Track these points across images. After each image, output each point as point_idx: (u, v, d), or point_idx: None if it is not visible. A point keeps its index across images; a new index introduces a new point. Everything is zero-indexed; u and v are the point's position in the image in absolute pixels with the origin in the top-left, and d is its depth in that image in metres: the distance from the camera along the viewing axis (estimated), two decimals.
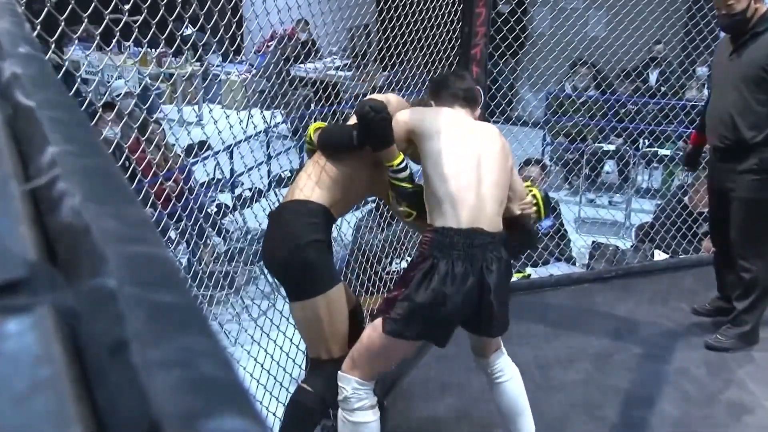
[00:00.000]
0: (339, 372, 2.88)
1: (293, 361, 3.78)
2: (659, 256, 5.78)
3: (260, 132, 6.54)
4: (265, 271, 5.42)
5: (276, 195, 5.57)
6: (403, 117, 2.94)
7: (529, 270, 5.40)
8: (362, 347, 2.87)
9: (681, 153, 7.97)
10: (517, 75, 7.92)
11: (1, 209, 0.48)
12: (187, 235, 4.11)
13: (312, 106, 7.36)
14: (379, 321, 2.82)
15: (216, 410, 0.31)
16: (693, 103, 8.55)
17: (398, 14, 4.16)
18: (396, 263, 5.25)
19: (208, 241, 5.12)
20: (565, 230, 6.20)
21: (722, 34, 4.25)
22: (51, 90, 0.73)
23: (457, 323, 2.91)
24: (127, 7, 2.45)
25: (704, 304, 4.50)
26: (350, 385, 2.84)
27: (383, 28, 4.22)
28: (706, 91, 9.11)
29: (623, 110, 8.52)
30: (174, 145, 5.93)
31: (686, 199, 6.00)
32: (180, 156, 5.73)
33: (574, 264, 5.89)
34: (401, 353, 3.01)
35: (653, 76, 9.32)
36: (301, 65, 9.19)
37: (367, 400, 2.87)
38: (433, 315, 2.76)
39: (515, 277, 5.17)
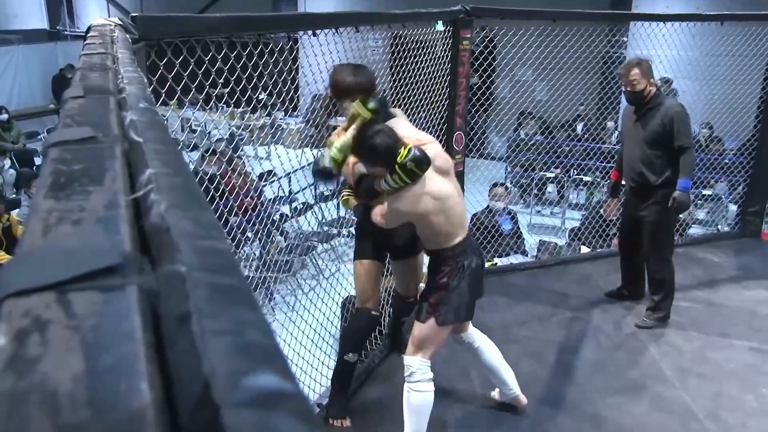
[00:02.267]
0: (404, 355, 2.70)
1: (332, 323, 3.74)
2: (584, 249, 5.71)
3: (310, 164, 6.53)
4: (314, 260, 5.42)
5: (320, 208, 5.59)
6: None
7: (496, 260, 5.34)
8: (420, 337, 2.65)
9: (599, 180, 7.91)
10: (487, 124, 7.88)
11: (111, 214, 0.45)
12: (259, 235, 4.10)
13: None
14: (431, 320, 2.60)
15: (256, 369, 0.28)
16: (605, 146, 8.52)
17: (407, 82, 4.14)
18: None
19: (274, 239, 5.11)
20: (521, 232, 6.14)
21: (624, 102, 4.19)
22: (156, 131, 0.71)
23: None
24: (221, 80, 2.44)
25: (613, 289, 4.41)
26: (415, 363, 2.65)
27: (394, 92, 4.20)
28: (614, 138, 9.07)
29: (560, 150, 8.46)
30: (251, 173, 5.93)
31: (602, 211, 5.93)
32: (255, 180, 5.72)
33: (527, 255, 5.83)
34: (446, 334, 2.76)
35: (579, 127, 9.25)
36: (338, 117, 9.16)
37: (427, 374, 2.68)
38: (472, 295, 2.65)
39: (487, 264, 5.12)
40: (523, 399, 3.08)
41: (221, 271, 0.36)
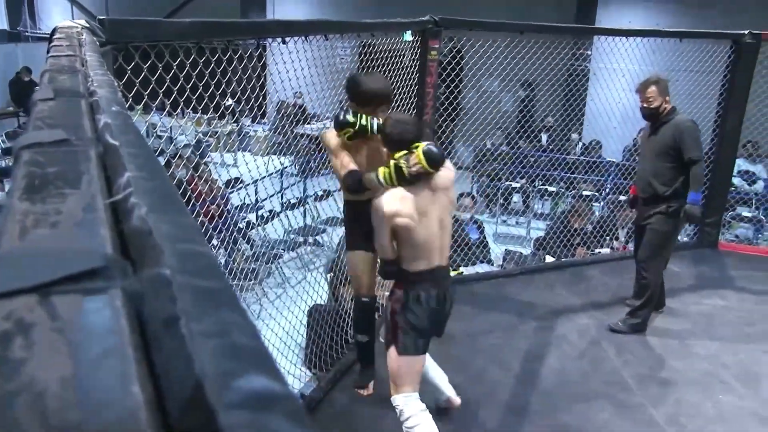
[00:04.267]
0: (391, 397, 2.65)
1: (297, 331, 3.71)
2: (549, 259, 5.80)
3: (277, 171, 6.52)
4: (280, 268, 5.38)
5: (287, 216, 5.57)
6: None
7: (462, 269, 5.38)
8: (393, 372, 2.64)
9: (563, 190, 8.06)
10: (454, 134, 7.95)
11: (89, 217, 0.44)
12: (225, 242, 4.05)
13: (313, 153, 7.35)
14: (392, 350, 2.61)
15: (246, 371, 0.28)
16: (569, 157, 8.68)
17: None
18: None
19: (240, 246, 5.05)
20: (486, 242, 6.20)
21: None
22: (130, 134, 0.70)
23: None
24: (188, 86, 2.42)
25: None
26: (400, 401, 2.61)
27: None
28: (578, 149, 9.25)
29: (525, 160, 8.59)
30: (217, 180, 5.87)
31: (572, 219, 6.03)
32: (221, 187, 5.67)
33: (492, 264, 5.89)
34: (420, 363, 2.71)
35: (544, 138, 9.40)
36: (305, 125, 9.14)
37: (416, 406, 2.62)
38: (430, 332, 2.64)
39: (453, 273, 5.15)
40: (457, 400, 3.06)
41: (205, 274, 0.36)
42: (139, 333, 0.32)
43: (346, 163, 2.73)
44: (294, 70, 3.05)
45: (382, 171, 2.51)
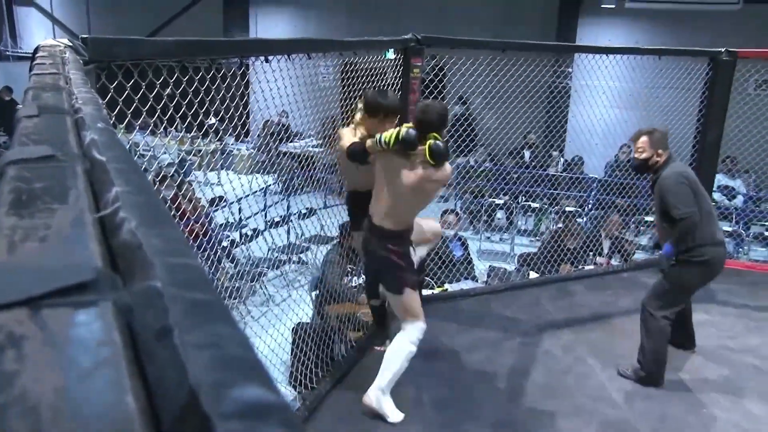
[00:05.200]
0: (407, 324, 3.12)
1: (283, 350, 3.69)
2: (532, 275, 5.82)
3: (262, 189, 6.51)
4: (263, 286, 5.35)
5: (271, 234, 5.55)
6: None
7: (447, 285, 5.38)
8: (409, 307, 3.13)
9: (546, 206, 8.13)
10: None
11: (78, 232, 0.44)
12: (209, 260, 4.02)
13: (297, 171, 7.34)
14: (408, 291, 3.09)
15: (240, 381, 0.28)
16: (553, 173, 8.77)
17: (357, 108, 4.17)
18: (354, 280, 5.21)
19: (223, 265, 5.02)
20: (471, 258, 6.21)
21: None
22: (116, 150, 0.70)
23: None
24: (171, 105, 2.42)
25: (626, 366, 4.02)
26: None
27: (344, 118, 4.22)
28: (560, 166, 9.35)
29: (508, 177, 8.65)
30: (201, 198, 5.85)
31: (565, 239, 6.06)
32: (205, 206, 5.64)
33: (477, 281, 5.89)
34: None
35: (527, 154, 9.49)
36: (289, 143, 9.14)
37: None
38: None
39: (437, 290, 5.15)
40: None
41: (196, 287, 0.36)
42: (131, 345, 0.32)
43: (350, 140, 3.13)
44: (277, 89, 3.06)
45: (387, 134, 2.93)
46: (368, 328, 4.15)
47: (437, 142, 2.87)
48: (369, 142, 3.01)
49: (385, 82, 4.17)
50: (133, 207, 0.47)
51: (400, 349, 3.11)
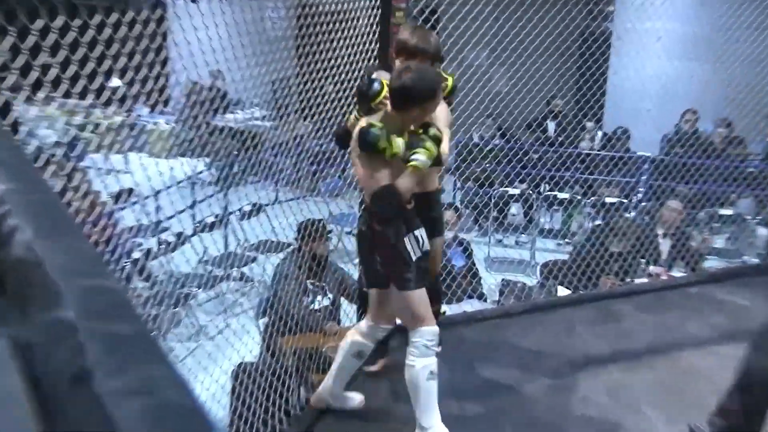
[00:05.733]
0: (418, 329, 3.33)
1: (218, 401, 3.69)
2: (562, 291, 5.88)
3: (189, 177, 6.50)
4: (192, 313, 5.33)
5: (202, 241, 5.52)
6: None
7: (445, 307, 5.41)
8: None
9: (579, 197, 8.20)
10: None
11: None
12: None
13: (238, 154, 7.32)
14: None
15: None
16: (587, 151, 8.85)
17: (318, 67, 4.18)
18: (318, 301, 5.22)
19: (134, 285, 4.99)
20: (476, 269, 6.25)
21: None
22: None
23: None
24: (55, 59, 2.40)
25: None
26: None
27: (303, 81, 4.23)
28: (597, 142, 9.45)
29: (526, 158, 8.71)
30: (101, 192, 5.80)
31: (610, 240, 6.13)
32: (107, 203, 5.60)
33: (485, 300, 5.93)
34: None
35: (551, 127, 9.57)
36: (225, 115, 9.12)
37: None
38: None
39: None
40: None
41: (116, 317, 0.38)
42: (35, 395, 0.34)
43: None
44: (208, 40, 3.06)
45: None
46: None
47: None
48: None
49: (357, 31, 4.18)
50: (26, 211, 0.48)
51: (421, 370, 3.32)
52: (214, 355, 3.71)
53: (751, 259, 6.94)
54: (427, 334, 3.35)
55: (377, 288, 3.53)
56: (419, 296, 3.32)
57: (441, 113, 3.41)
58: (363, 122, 3.18)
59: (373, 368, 4.11)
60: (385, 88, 3.22)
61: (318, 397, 3.72)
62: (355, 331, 3.63)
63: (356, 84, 3.58)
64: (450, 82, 3.55)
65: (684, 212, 6.41)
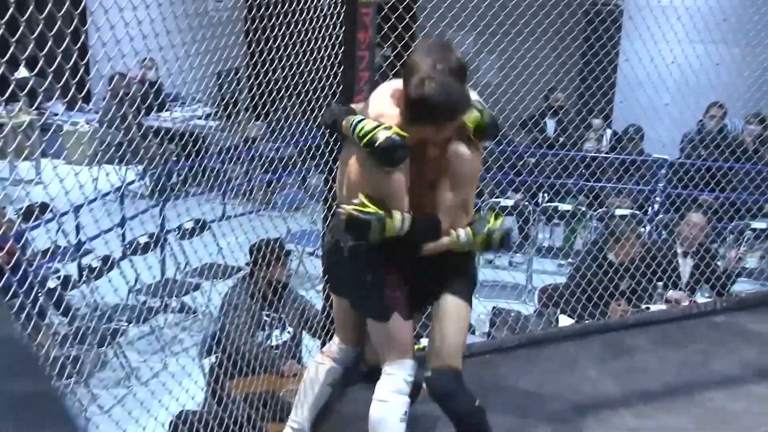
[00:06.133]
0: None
1: None
2: (564, 321, 5.89)
3: (113, 192, 6.45)
4: (120, 352, 5.28)
5: (133, 265, 5.48)
6: None
7: (423, 340, 5.41)
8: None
9: (584, 208, 8.23)
10: None
11: None
12: (22, 314, 3.96)
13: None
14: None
15: None
16: (592, 154, 8.88)
17: (272, 57, 4.17)
18: (275, 336, 5.20)
19: (49, 320, 4.95)
20: None
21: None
22: None
23: None
24: None
25: None
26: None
27: (255, 72, 4.22)
28: (605, 143, 9.50)
29: (521, 162, 8.72)
30: (5, 208, 5.75)
31: (611, 254, 6.16)
32: (14, 220, 5.55)
33: (473, 333, 5.93)
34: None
35: (551, 125, 9.62)
36: (160, 114, 9.08)
37: None
38: None
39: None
40: None
41: (19, 373, 0.38)
42: None
43: None
44: (138, 23, 3.05)
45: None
46: None
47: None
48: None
49: (319, 12, 4.19)
50: None
51: (384, 408, 3.36)
52: (148, 403, 3.66)
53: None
54: (410, 367, 3.39)
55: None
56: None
57: (466, 165, 3.36)
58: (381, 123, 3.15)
59: None
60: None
61: None
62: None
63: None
64: (474, 118, 3.31)
65: (708, 227, 6.45)
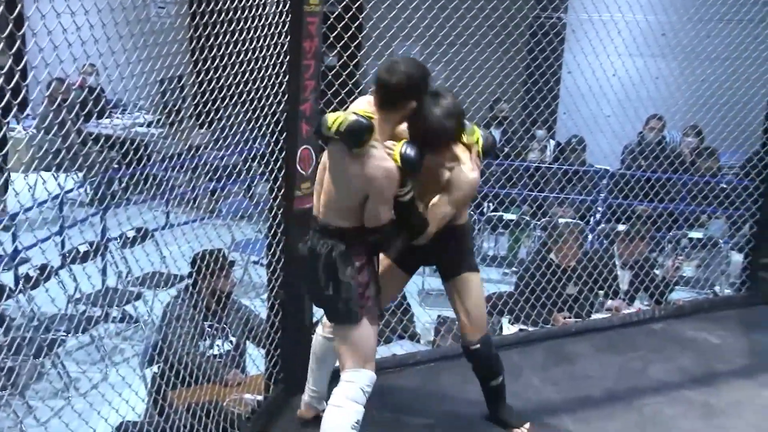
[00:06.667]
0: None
1: None
2: (508, 329, 5.89)
3: (51, 199, 6.33)
4: (59, 364, 5.18)
5: (73, 274, 5.38)
6: None
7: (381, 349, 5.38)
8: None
9: (527, 218, 8.26)
10: None
11: None
12: None
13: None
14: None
15: None
16: (536, 164, 8.93)
17: (216, 64, 4.11)
18: (218, 346, 5.14)
19: None
20: (408, 304, 6.22)
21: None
22: None
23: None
24: None
25: None
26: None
27: (199, 80, 4.16)
28: (548, 153, 9.56)
29: None
30: None
31: (553, 255, 6.18)
32: None
33: (418, 341, 5.91)
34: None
35: (495, 136, 9.65)
36: (101, 121, 8.94)
37: None
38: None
39: None
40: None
41: None
42: None
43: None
44: (77, 27, 2.98)
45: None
46: (240, 425, 4.10)
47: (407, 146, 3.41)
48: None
49: (264, 21, 4.14)
50: None
51: (339, 414, 3.46)
52: (87, 415, 3.56)
53: (723, 289, 7.07)
54: (369, 378, 3.53)
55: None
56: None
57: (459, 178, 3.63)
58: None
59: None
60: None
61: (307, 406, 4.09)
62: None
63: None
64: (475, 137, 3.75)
65: (642, 243, 6.51)
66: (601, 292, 6.28)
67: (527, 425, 4.18)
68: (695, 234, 7.67)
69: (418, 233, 3.61)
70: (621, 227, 7.06)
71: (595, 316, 6.03)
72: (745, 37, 6.18)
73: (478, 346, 3.93)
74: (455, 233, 3.81)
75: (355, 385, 3.46)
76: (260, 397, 4.43)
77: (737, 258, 6.98)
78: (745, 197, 6.23)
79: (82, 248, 5.99)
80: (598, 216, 8.27)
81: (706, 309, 5.99)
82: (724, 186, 7.88)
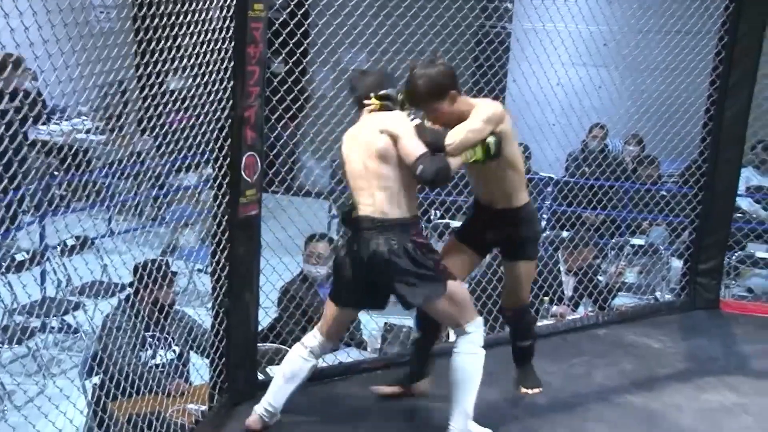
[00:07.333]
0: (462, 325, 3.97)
1: None
2: (454, 337, 5.85)
3: None
4: None
5: (8, 284, 5.28)
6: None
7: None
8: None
9: None
10: (297, 140, 7.91)
11: None
12: None
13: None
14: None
15: None
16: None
17: (159, 69, 4.05)
18: (160, 356, 5.07)
19: None
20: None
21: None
22: None
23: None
24: None
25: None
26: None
27: (142, 86, 4.08)
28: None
29: None
30: None
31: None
32: None
33: (365, 349, 5.87)
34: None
35: None
36: (38, 127, 8.78)
37: None
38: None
39: None
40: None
41: None
42: None
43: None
44: (10, 31, 2.89)
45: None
46: None
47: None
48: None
49: (208, 26, 4.09)
50: None
51: (476, 359, 3.98)
52: (23, 429, 3.49)
53: (663, 295, 7.13)
54: (481, 324, 4.05)
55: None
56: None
57: None
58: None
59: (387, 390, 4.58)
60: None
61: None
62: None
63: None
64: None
65: (586, 249, 6.55)
66: (546, 299, 6.29)
67: (536, 390, 4.54)
68: (637, 241, 7.73)
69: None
70: (565, 234, 7.12)
71: (540, 323, 6.02)
72: (683, 48, 6.26)
73: (510, 314, 4.50)
74: (519, 216, 4.22)
75: (480, 332, 3.97)
76: (204, 407, 4.37)
77: (677, 264, 7.07)
78: (685, 204, 6.30)
79: (18, 257, 5.92)
80: (543, 223, 8.29)
81: (648, 314, 6.09)
82: (665, 194, 7.95)
